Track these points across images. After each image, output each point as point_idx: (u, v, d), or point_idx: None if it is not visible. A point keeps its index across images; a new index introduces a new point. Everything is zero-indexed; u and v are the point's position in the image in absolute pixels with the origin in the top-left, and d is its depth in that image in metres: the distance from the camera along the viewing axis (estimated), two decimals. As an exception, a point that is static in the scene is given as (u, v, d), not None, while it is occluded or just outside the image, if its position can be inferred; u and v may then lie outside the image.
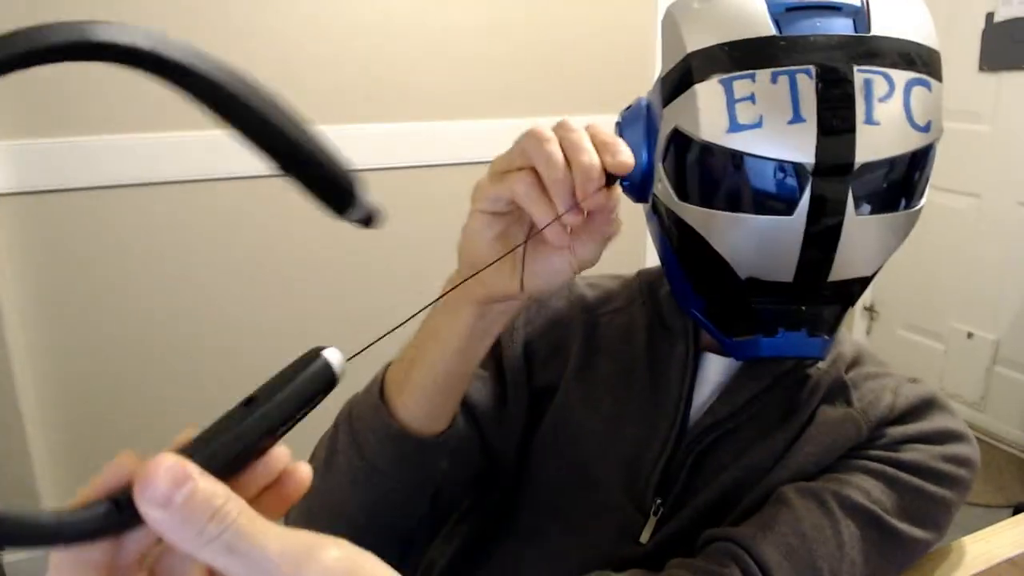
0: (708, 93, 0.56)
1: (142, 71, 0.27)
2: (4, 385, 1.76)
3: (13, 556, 1.88)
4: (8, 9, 1.65)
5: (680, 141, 0.59)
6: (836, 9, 0.56)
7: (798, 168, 0.54)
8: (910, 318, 2.86)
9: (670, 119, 0.59)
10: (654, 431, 0.69)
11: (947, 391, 2.71)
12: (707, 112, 0.56)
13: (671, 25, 0.60)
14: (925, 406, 0.67)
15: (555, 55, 2.20)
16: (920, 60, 0.56)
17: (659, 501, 0.68)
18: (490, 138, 2.19)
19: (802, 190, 0.54)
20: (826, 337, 0.61)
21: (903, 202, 0.60)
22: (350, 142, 1.97)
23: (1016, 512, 2.08)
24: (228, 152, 1.82)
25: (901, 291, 2.88)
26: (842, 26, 0.55)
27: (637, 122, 0.64)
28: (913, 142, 0.56)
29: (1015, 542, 0.77)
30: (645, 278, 0.79)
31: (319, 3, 1.91)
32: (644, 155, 0.62)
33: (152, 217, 1.89)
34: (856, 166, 0.54)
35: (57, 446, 1.92)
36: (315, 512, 0.64)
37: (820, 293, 0.59)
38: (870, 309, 3.02)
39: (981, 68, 2.45)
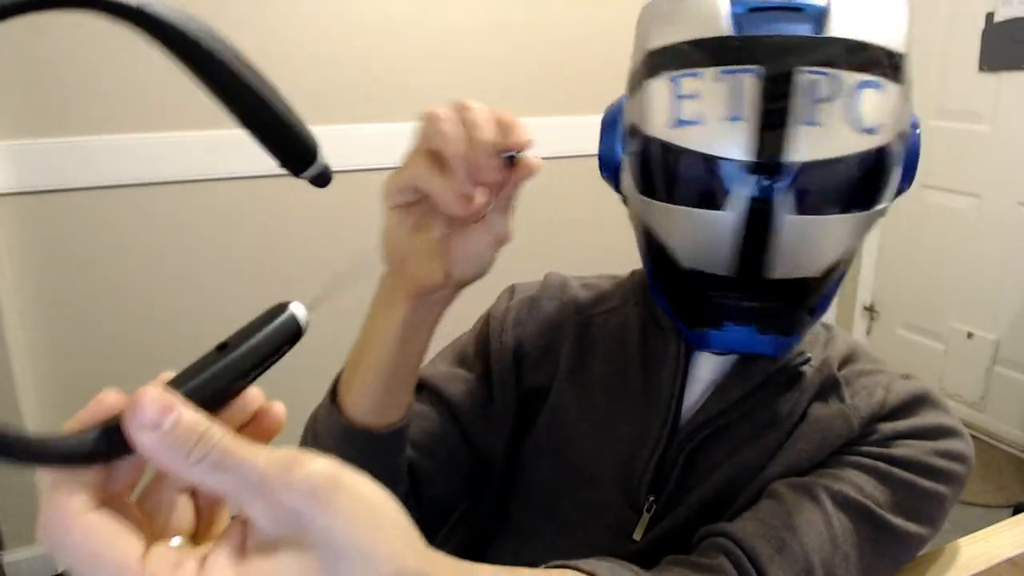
0: (658, 89, 0.58)
1: (124, 22, 0.29)
2: (4, 385, 1.76)
3: (13, 556, 1.88)
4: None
5: (634, 134, 0.62)
6: (799, 11, 0.56)
7: (734, 165, 0.56)
8: (910, 318, 2.87)
9: (628, 113, 0.63)
10: (647, 429, 0.69)
11: (947, 391, 2.71)
12: (654, 107, 0.58)
13: (640, 23, 0.63)
14: (917, 402, 0.67)
15: (555, 55, 2.20)
16: (875, 62, 0.56)
17: (652, 499, 0.69)
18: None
19: (738, 187, 0.56)
20: (778, 336, 0.62)
21: (855, 205, 0.59)
22: (350, 142, 1.97)
23: (1016, 512, 2.08)
24: (228, 152, 1.82)
25: (901, 291, 2.89)
26: (801, 28, 0.56)
27: (616, 116, 0.67)
28: (857, 144, 0.55)
29: (1015, 542, 0.77)
30: (639, 278, 0.79)
31: (319, 3, 1.91)
32: (617, 148, 0.66)
33: (152, 217, 1.89)
34: (790, 165, 0.55)
35: (57, 446, 1.92)
36: None
37: (765, 290, 0.60)
38: (870, 309, 3.02)
39: (981, 68, 2.45)
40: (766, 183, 0.55)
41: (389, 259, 0.56)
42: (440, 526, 0.78)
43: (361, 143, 2.02)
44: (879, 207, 0.61)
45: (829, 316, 3.03)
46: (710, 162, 0.57)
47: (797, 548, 0.58)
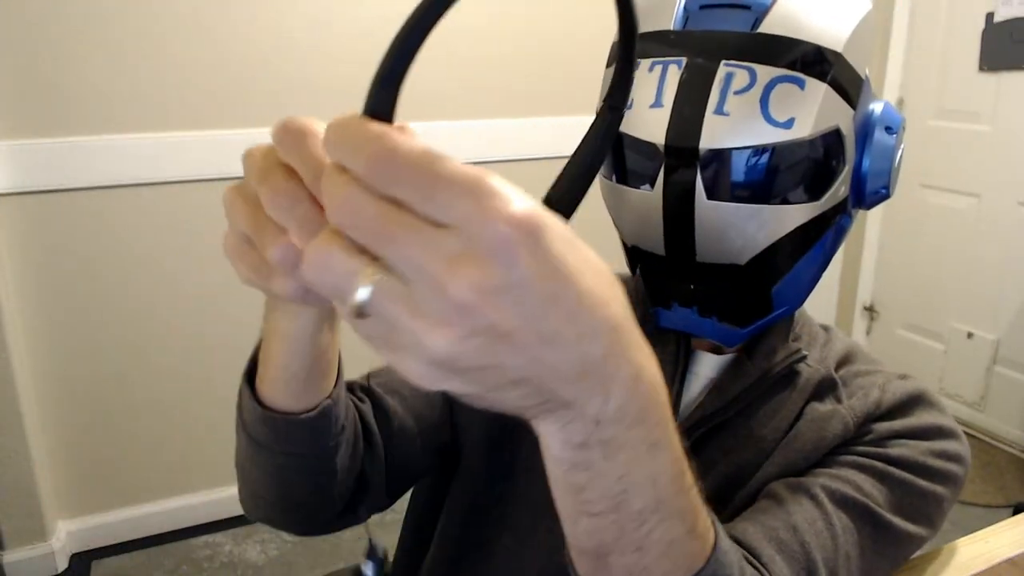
0: (607, 77, 0.64)
1: None
2: (4, 385, 1.76)
3: (13, 556, 1.88)
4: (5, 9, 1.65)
5: None
6: (745, 8, 0.60)
7: (652, 148, 0.60)
8: (910, 318, 2.86)
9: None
10: None
11: (947, 391, 2.71)
12: (602, 93, 0.62)
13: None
14: (912, 402, 0.67)
15: (555, 55, 2.20)
16: (800, 60, 0.58)
17: None
18: (490, 138, 2.21)
19: (658, 169, 0.60)
20: (719, 322, 0.64)
21: (773, 196, 0.60)
22: (350, 142, 1.97)
23: (1016, 512, 2.08)
24: (228, 152, 1.82)
25: (901, 291, 2.88)
26: (741, 24, 0.59)
27: None
28: (766, 135, 0.57)
29: (1015, 542, 0.77)
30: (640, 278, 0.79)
31: (319, 3, 1.91)
32: None
33: (152, 217, 1.89)
34: (701, 151, 0.58)
35: (57, 446, 1.92)
36: (242, 493, 0.65)
37: (699, 274, 0.63)
38: (870, 309, 3.02)
39: (981, 68, 2.45)
40: (680, 167, 0.59)
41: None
42: (402, 489, 0.75)
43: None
44: (811, 204, 0.61)
45: (828, 316, 3.03)
46: (634, 144, 0.62)
47: (799, 549, 0.58)
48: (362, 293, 0.27)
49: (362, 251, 0.28)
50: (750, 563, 0.57)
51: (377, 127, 0.28)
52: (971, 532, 0.78)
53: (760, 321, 0.66)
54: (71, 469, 1.95)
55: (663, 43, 0.61)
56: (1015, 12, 2.33)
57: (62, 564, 1.94)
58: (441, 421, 0.73)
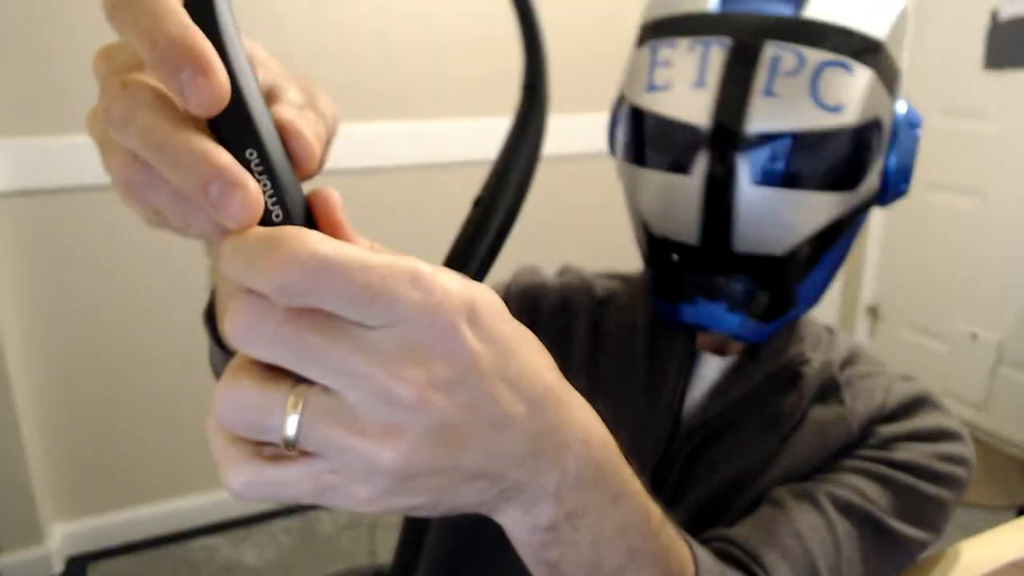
0: (639, 57, 0.63)
1: None
2: (1, 385, 1.76)
3: (8, 559, 1.87)
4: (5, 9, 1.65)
5: (621, 103, 0.66)
6: None
7: (695, 130, 0.58)
8: (913, 318, 2.85)
9: (623, 83, 0.67)
10: (648, 430, 0.69)
11: (950, 392, 2.70)
12: (634, 74, 0.63)
13: (646, 3, 0.67)
14: (916, 404, 0.66)
15: (555, 55, 2.18)
16: (846, 45, 0.57)
17: None
18: (490, 138, 2.20)
19: (699, 152, 0.58)
20: (749, 318, 0.62)
21: (821, 183, 0.59)
22: (350, 142, 1.96)
23: (1020, 514, 2.07)
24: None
25: (904, 291, 2.87)
26: (781, 8, 0.58)
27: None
28: (816, 120, 0.56)
29: (1019, 544, 0.76)
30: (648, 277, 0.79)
31: (319, 3, 1.90)
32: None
33: (149, 217, 1.88)
34: (748, 133, 0.56)
35: (53, 448, 1.91)
36: None
37: (733, 265, 0.61)
38: (873, 309, 3.01)
39: (985, 66, 2.44)
40: (726, 150, 0.57)
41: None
42: None
43: (361, 143, 2.02)
44: (850, 193, 0.60)
45: (831, 316, 3.02)
46: (674, 126, 0.59)
47: (802, 554, 0.57)
48: (290, 425, 0.24)
49: (279, 376, 0.25)
50: (751, 571, 0.56)
51: (279, 235, 0.24)
52: (975, 534, 0.77)
53: (783, 318, 0.65)
54: (67, 471, 1.95)
55: (703, 23, 0.59)
56: (1020, 10, 2.32)
57: (58, 567, 1.93)
58: None
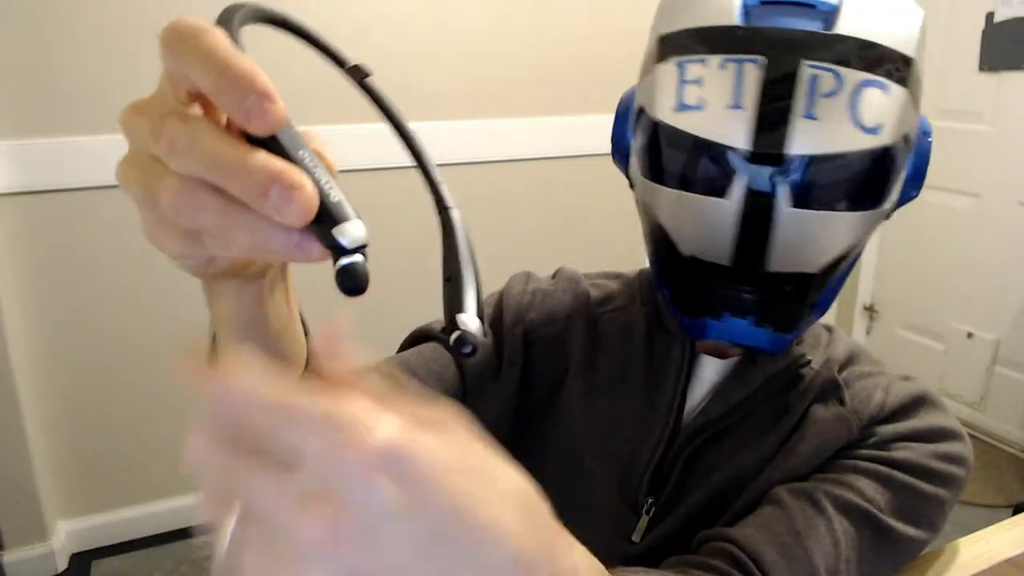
0: (664, 73, 0.59)
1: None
2: (4, 384, 1.76)
3: (13, 556, 1.88)
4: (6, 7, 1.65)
5: (643, 119, 0.63)
6: (810, 7, 0.57)
7: (732, 153, 0.56)
8: (910, 318, 2.86)
9: (638, 97, 0.64)
10: (648, 431, 0.69)
11: (947, 391, 2.71)
12: (660, 91, 0.59)
13: (658, 11, 0.64)
14: (915, 403, 0.67)
15: (555, 56, 2.20)
16: (880, 63, 0.56)
17: (651, 501, 0.69)
18: (490, 138, 2.21)
19: (736, 175, 0.56)
20: (774, 331, 0.62)
21: (855, 203, 0.59)
22: (350, 142, 1.97)
23: (1016, 512, 2.08)
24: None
25: (901, 291, 2.88)
26: (810, 24, 0.56)
27: (630, 102, 0.68)
28: (857, 142, 0.55)
29: (1015, 542, 0.77)
30: (646, 278, 0.79)
31: (319, 3, 1.91)
32: (631, 133, 0.67)
33: (152, 217, 1.89)
34: (789, 157, 0.55)
35: (57, 446, 1.92)
36: None
37: (762, 282, 0.60)
38: (870, 309, 3.02)
39: (981, 68, 2.45)
40: (765, 174, 0.56)
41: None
42: None
43: (362, 143, 2.02)
44: (882, 209, 0.61)
45: (829, 316, 3.03)
46: (710, 148, 0.57)
47: (802, 554, 0.58)
48: (221, 546, 0.25)
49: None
50: (750, 570, 0.57)
51: (207, 372, 0.25)
52: (971, 532, 0.78)
53: (801, 327, 0.66)
54: (71, 469, 1.95)
55: (732, 39, 0.56)
56: (1015, 12, 2.33)
57: (62, 564, 1.94)
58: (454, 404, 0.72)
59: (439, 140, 2.10)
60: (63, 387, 1.89)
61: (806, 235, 0.58)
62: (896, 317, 2.92)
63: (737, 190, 0.56)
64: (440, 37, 2.05)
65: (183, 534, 2.07)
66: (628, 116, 0.67)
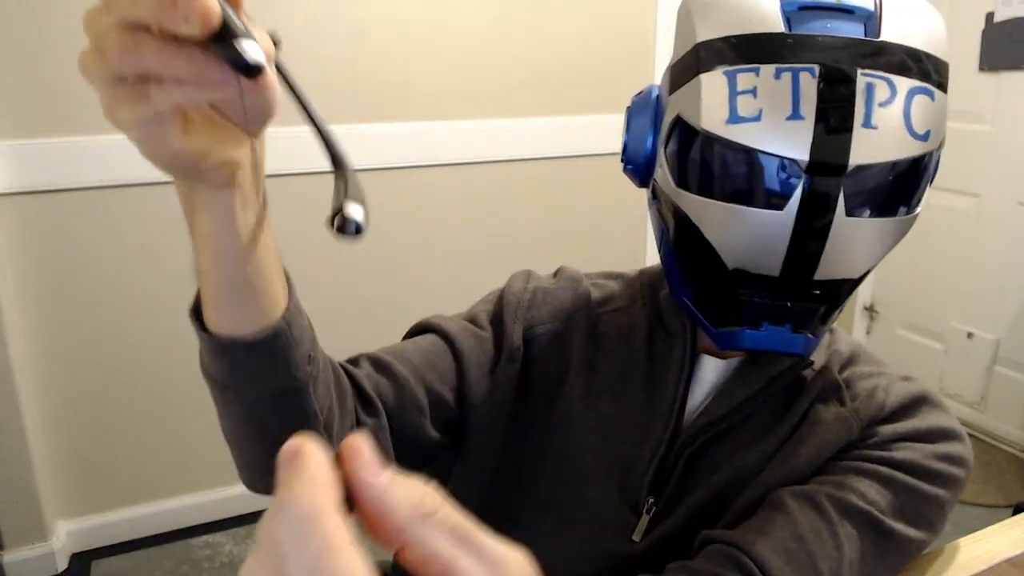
0: (712, 83, 0.57)
1: None
2: (4, 384, 1.76)
3: (12, 556, 1.88)
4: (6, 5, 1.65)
5: (682, 129, 0.60)
6: (849, 12, 0.57)
7: (792, 164, 0.55)
8: (910, 318, 2.86)
9: (674, 107, 0.61)
10: (649, 431, 0.70)
11: (947, 391, 2.71)
12: (709, 102, 0.57)
13: (686, 15, 0.62)
14: (916, 403, 0.67)
15: (555, 56, 2.20)
16: (926, 69, 0.56)
17: (652, 500, 0.69)
18: (490, 138, 2.21)
19: (795, 186, 0.55)
20: (809, 335, 0.61)
21: (897, 208, 0.60)
22: (350, 142, 1.97)
23: (1016, 512, 2.08)
24: (228, 152, 1.82)
25: (901, 291, 2.88)
26: (853, 29, 0.56)
27: (645, 109, 0.66)
28: (910, 149, 0.56)
29: (1015, 542, 0.77)
30: (647, 278, 0.79)
31: (319, 3, 1.91)
32: (649, 141, 0.65)
33: (152, 217, 1.89)
34: (850, 167, 0.54)
35: (57, 446, 1.92)
36: (238, 467, 0.62)
37: (806, 290, 0.60)
38: (870, 309, 3.02)
39: (981, 68, 2.45)
40: (824, 184, 0.55)
41: (161, 164, 0.45)
42: (414, 466, 0.73)
43: (361, 143, 2.02)
44: (918, 211, 0.61)
45: (829, 316, 3.03)
46: (768, 160, 0.56)
47: (806, 559, 0.58)
48: None
49: None
50: (760, 573, 0.57)
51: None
52: (971, 532, 0.78)
53: (827, 329, 0.66)
54: (71, 469, 1.95)
55: (782, 47, 0.55)
56: (1015, 12, 2.33)
57: (62, 564, 1.94)
58: (451, 395, 0.72)
59: (439, 140, 2.11)
60: (63, 387, 1.89)
61: (856, 242, 0.57)
62: (896, 317, 2.92)
63: (796, 201, 0.55)
64: (440, 37, 2.05)
65: (183, 534, 2.08)
66: (644, 123, 0.65)
